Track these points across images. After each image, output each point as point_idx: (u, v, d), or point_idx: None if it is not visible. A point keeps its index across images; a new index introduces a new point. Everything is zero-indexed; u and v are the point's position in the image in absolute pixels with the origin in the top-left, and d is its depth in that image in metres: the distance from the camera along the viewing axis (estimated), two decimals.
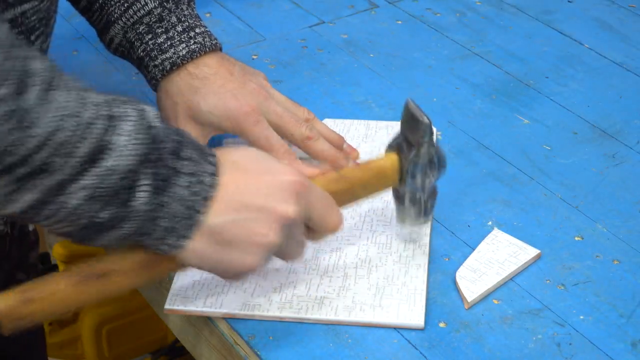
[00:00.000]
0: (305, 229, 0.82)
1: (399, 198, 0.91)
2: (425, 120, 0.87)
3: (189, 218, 0.74)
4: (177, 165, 0.73)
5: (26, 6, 0.84)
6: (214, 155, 0.77)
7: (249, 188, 0.77)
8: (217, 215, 0.75)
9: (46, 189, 0.69)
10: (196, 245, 0.75)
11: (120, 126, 0.70)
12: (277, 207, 0.77)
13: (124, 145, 0.70)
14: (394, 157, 0.89)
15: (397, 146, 0.90)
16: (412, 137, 0.88)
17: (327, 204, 0.83)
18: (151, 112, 0.74)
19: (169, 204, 0.73)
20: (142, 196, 0.71)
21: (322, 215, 0.82)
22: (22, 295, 0.75)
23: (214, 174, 0.75)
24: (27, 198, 0.69)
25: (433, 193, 0.92)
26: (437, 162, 0.89)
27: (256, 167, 0.79)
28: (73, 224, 0.71)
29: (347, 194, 0.87)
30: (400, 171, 0.89)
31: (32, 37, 0.87)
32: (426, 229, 0.95)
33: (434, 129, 1.09)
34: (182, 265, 0.79)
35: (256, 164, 0.79)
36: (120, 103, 0.72)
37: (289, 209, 0.78)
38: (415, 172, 0.88)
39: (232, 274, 0.79)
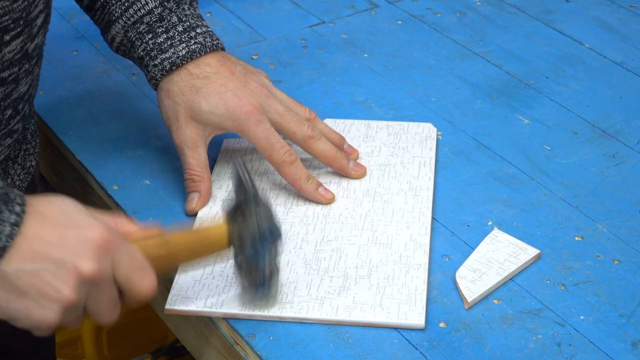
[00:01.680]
0: (117, 291, 0.79)
1: (235, 266, 0.86)
2: (249, 188, 0.84)
3: None
4: None
5: None
6: (21, 205, 0.75)
7: (50, 239, 0.74)
8: (12, 263, 0.73)
9: None
10: None
11: None
12: (74, 262, 0.74)
13: None
14: (223, 226, 0.84)
15: (230, 212, 0.85)
16: (241, 204, 0.84)
17: (136, 265, 0.78)
18: None
19: None
20: None
21: (129, 278, 0.78)
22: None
23: (15, 225, 0.73)
24: None
25: (272, 270, 0.86)
26: (267, 235, 0.83)
27: (63, 219, 0.76)
28: None
29: (170, 259, 0.83)
30: (230, 239, 0.84)
31: (7, 37, 0.86)
32: (426, 228, 0.95)
33: (435, 129, 1.09)
34: None
35: (63, 216, 0.76)
36: None
37: (87, 265, 0.74)
38: (243, 244, 0.83)
39: (27, 325, 0.76)
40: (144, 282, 0.79)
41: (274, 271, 0.86)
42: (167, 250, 0.82)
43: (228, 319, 0.87)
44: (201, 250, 0.85)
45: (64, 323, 0.76)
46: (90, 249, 0.75)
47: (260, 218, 0.83)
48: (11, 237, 0.73)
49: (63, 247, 0.74)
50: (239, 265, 0.85)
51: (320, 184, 1.00)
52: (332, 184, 1.02)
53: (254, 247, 0.83)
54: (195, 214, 0.98)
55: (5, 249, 0.73)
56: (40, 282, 0.74)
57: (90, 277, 0.75)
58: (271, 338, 0.85)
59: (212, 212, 0.98)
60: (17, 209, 0.74)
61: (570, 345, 0.85)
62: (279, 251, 0.85)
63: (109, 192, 1.02)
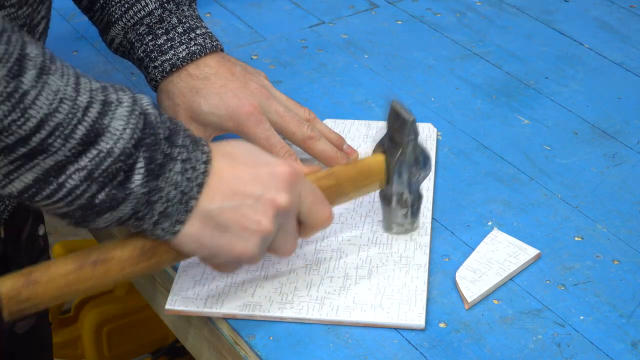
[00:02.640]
0: (297, 224, 0.84)
1: (386, 199, 0.93)
2: (410, 118, 0.88)
3: (183, 203, 0.76)
4: (172, 151, 0.76)
5: (1, 13, 0.83)
6: (206, 145, 0.79)
7: (243, 176, 0.79)
8: (211, 201, 0.77)
9: (45, 169, 0.71)
10: (191, 230, 0.77)
11: (115, 111, 0.73)
12: (271, 195, 0.79)
13: (120, 129, 0.72)
14: (380, 157, 0.91)
15: (383, 146, 0.91)
16: (398, 137, 0.89)
17: (317, 197, 0.84)
18: (144, 99, 0.76)
19: (164, 188, 0.75)
20: (137, 179, 0.73)
21: (313, 209, 0.83)
22: (26, 278, 0.76)
23: (207, 162, 0.78)
24: (26, 178, 0.71)
25: (419, 196, 0.93)
26: (422, 161, 0.90)
27: (249, 157, 0.81)
28: (71, 205, 0.73)
29: (336, 191, 0.88)
30: (387, 170, 0.90)
31: None
32: (426, 228, 0.95)
33: (435, 129, 1.09)
34: (179, 253, 0.80)
35: (249, 154, 0.81)
36: (114, 90, 0.75)
37: (283, 197, 0.79)
38: (402, 171, 0.90)
39: (229, 261, 0.81)
40: (324, 213, 0.84)
41: (420, 197, 0.94)
42: (333, 181, 0.88)
43: (228, 319, 0.87)
44: (363, 181, 0.91)
45: (260, 254, 0.81)
46: (283, 182, 0.80)
47: (418, 146, 0.90)
48: (206, 174, 0.77)
49: (258, 183, 0.79)
50: (388, 198, 0.92)
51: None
52: None
53: (412, 175, 0.91)
54: None
55: (202, 185, 0.77)
56: (242, 217, 0.78)
57: (285, 208, 0.80)
58: (271, 338, 0.85)
59: None
60: (206, 149, 0.78)
61: (570, 345, 0.85)
62: (427, 178, 0.94)
63: None
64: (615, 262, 0.93)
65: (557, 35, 1.29)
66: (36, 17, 0.89)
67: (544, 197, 1.01)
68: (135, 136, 0.73)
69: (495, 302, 0.89)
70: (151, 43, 1.01)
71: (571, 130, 1.11)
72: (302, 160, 1.00)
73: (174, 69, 1.00)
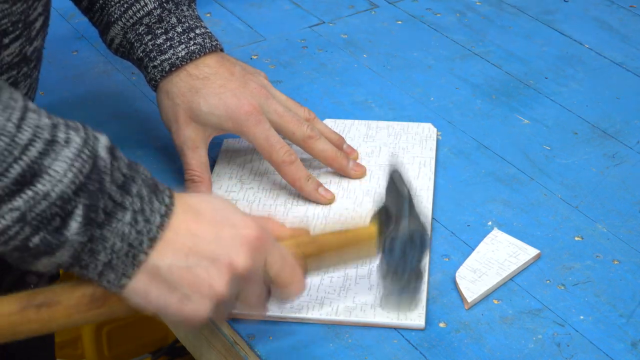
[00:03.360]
0: (266, 289, 0.79)
1: (380, 273, 0.86)
2: (405, 192, 0.83)
3: (130, 256, 0.72)
4: (123, 200, 0.72)
5: None
6: (170, 197, 0.75)
7: (203, 235, 0.75)
8: (162, 257, 0.73)
9: None
10: (138, 285, 0.74)
11: (59, 152, 0.69)
12: (228, 258, 0.74)
13: (61, 172, 0.69)
14: (372, 228, 0.84)
15: (379, 216, 0.85)
16: (393, 209, 0.84)
17: (287, 265, 0.79)
18: (102, 141, 0.73)
19: (108, 238, 0.71)
20: (74, 227, 0.70)
21: (281, 277, 0.78)
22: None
23: (165, 215, 0.73)
24: None
25: (417, 274, 0.85)
26: (418, 241, 0.83)
27: (216, 215, 0.76)
28: (6, 245, 0.70)
29: (318, 259, 0.83)
30: (379, 241, 0.84)
31: (6, 41, 0.86)
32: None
33: (435, 129, 1.09)
34: (129, 305, 0.77)
35: (217, 212, 0.77)
36: (65, 128, 0.71)
37: (241, 262, 0.75)
38: (393, 247, 0.83)
39: (177, 319, 0.77)
40: (294, 282, 0.79)
41: (419, 276, 0.86)
42: (316, 249, 0.82)
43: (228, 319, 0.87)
44: (350, 252, 0.84)
45: (214, 317, 0.77)
46: (245, 246, 0.75)
47: (414, 223, 0.83)
48: (161, 227, 0.73)
49: (218, 244, 0.75)
50: (385, 269, 0.85)
51: (320, 184, 1.00)
52: (332, 184, 1.02)
53: (404, 253, 0.83)
54: None
55: (155, 239, 0.73)
56: (194, 278, 0.74)
57: (244, 274, 0.75)
58: (271, 338, 0.85)
59: None
60: (167, 200, 0.74)
61: (570, 345, 0.85)
62: (424, 257, 0.85)
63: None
64: (615, 262, 0.93)
65: (557, 35, 1.29)
66: (32, 14, 0.89)
67: (544, 197, 1.01)
68: (77, 181, 0.69)
69: (495, 302, 0.89)
70: (150, 43, 1.01)
71: (571, 130, 1.11)
72: (302, 160, 1.00)
73: (173, 69, 1.00)
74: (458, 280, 0.90)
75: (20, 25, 0.87)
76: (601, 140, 1.10)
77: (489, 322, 0.87)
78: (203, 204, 0.77)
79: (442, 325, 0.86)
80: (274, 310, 0.87)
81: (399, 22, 1.32)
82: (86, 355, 1.68)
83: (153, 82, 1.01)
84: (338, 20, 1.33)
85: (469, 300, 0.88)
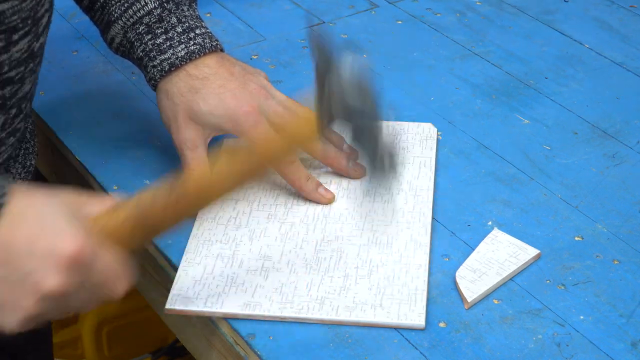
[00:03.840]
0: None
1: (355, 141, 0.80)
2: (321, 46, 0.77)
3: None
4: None
5: (5, 5, 0.83)
6: (1, 196, 0.72)
7: (19, 245, 0.71)
8: None
9: None
10: None
11: None
12: (38, 277, 0.70)
13: None
14: (309, 116, 0.79)
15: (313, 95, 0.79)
16: (322, 73, 0.78)
17: (110, 275, 0.74)
18: None
19: None
20: None
21: (100, 287, 0.74)
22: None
23: None
24: None
25: (370, 139, 0.78)
26: (350, 108, 0.76)
27: (35, 226, 0.71)
28: None
29: (258, 169, 0.81)
30: (322, 125, 0.79)
31: (15, 37, 0.86)
32: (426, 228, 0.95)
33: (435, 129, 1.09)
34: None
35: (37, 222, 0.72)
36: None
37: (52, 282, 0.70)
38: (339, 118, 0.77)
39: None
40: (116, 291, 0.76)
41: (382, 138, 0.79)
42: (256, 158, 0.80)
43: (228, 319, 0.87)
44: (292, 150, 0.83)
45: (35, 323, 0.73)
46: (59, 263, 0.71)
47: (344, 76, 0.76)
48: None
49: (30, 258, 0.70)
50: (357, 139, 0.80)
51: (320, 184, 1.00)
52: (332, 184, 1.02)
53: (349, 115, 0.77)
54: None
55: None
56: (5, 291, 0.71)
57: (55, 293, 0.71)
58: (271, 338, 0.85)
59: (212, 212, 0.98)
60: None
61: (570, 345, 0.85)
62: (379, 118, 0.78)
63: (109, 192, 1.02)
64: (615, 262, 0.93)
65: (557, 35, 1.29)
66: (40, 10, 0.89)
67: (544, 197, 1.01)
68: None
69: (495, 302, 0.89)
70: (150, 42, 1.01)
71: (571, 130, 1.11)
72: (302, 161, 1.00)
73: (172, 69, 1.00)
74: (458, 280, 0.90)
75: (29, 22, 0.87)
76: (601, 140, 1.10)
77: (489, 322, 0.87)
78: (26, 213, 0.72)
79: (442, 325, 0.86)
80: (274, 310, 0.87)
81: (399, 22, 1.32)
82: (86, 355, 1.68)
83: (152, 82, 1.01)
84: (338, 20, 1.33)
85: (469, 300, 0.88)
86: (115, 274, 0.75)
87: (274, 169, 0.91)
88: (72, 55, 1.25)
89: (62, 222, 0.72)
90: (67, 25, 1.30)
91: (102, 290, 0.75)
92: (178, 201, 0.78)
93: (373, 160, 0.79)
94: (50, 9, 0.92)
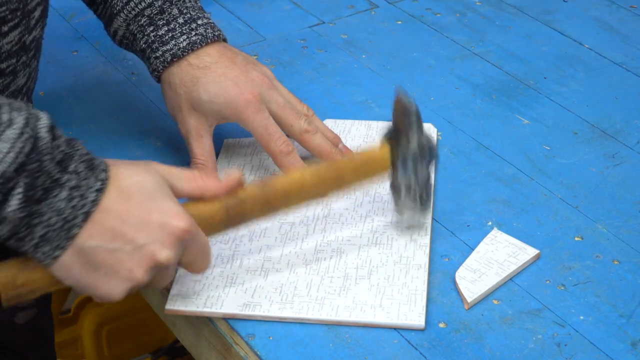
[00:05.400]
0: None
1: (394, 188, 0.93)
2: (412, 106, 0.90)
3: (65, 230, 0.75)
4: (60, 177, 0.74)
5: None
6: (105, 171, 0.77)
7: (130, 220, 0.77)
8: (91, 237, 0.75)
9: None
10: (67, 259, 0.76)
11: (3, 132, 0.72)
12: (153, 248, 0.77)
13: (4, 151, 0.72)
14: (385, 146, 0.91)
15: (389, 136, 0.92)
16: (402, 126, 0.91)
17: (200, 253, 0.82)
18: (43, 121, 0.75)
19: (45, 213, 0.74)
20: (14, 203, 0.72)
21: (190, 263, 0.83)
22: (22, 264, 0.77)
23: (100, 190, 0.76)
24: None
25: (427, 183, 0.93)
26: (427, 151, 0.91)
27: (146, 200, 0.78)
28: None
29: (337, 181, 0.90)
30: (392, 160, 0.91)
31: (5, 28, 0.87)
32: (426, 228, 0.95)
33: (435, 129, 1.09)
34: (53, 278, 0.78)
35: (147, 196, 0.78)
36: (9, 109, 0.73)
37: (165, 254, 0.77)
38: (406, 160, 0.90)
39: (94, 296, 0.79)
40: (201, 267, 0.84)
41: (429, 184, 0.93)
42: (335, 172, 0.90)
43: (228, 319, 0.87)
44: (366, 171, 0.91)
45: (124, 294, 0.79)
46: (171, 237, 0.77)
47: (422, 135, 0.91)
48: (95, 202, 0.75)
49: (145, 231, 0.77)
50: (396, 187, 0.92)
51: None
52: None
53: (416, 164, 0.90)
54: None
55: (89, 214, 0.75)
56: (115, 262, 0.76)
57: (164, 265, 0.78)
58: (271, 338, 0.85)
59: None
60: (103, 175, 0.76)
61: (570, 345, 0.85)
62: (432, 169, 0.93)
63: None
64: (615, 262, 0.93)
65: (557, 35, 1.29)
66: (30, 3, 0.89)
67: (544, 197, 1.01)
68: (19, 160, 0.72)
69: (495, 302, 0.89)
70: (152, 34, 1.01)
71: (571, 130, 1.11)
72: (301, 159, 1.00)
73: (174, 59, 1.00)
74: (458, 280, 0.90)
75: (18, 14, 0.87)
76: (601, 140, 1.10)
77: (489, 322, 0.87)
78: (135, 187, 0.78)
79: (442, 325, 0.86)
80: (273, 310, 0.87)
81: (399, 22, 1.32)
82: (86, 355, 1.68)
83: (155, 73, 1.02)
84: (338, 20, 1.33)
85: (469, 300, 0.88)
86: (205, 253, 0.83)
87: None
88: (72, 55, 1.25)
89: (167, 201, 0.79)
90: (67, 25, 1.30)
91: (190, 265, 0.83)
92: (266, 200, 0.86)
93: (416, 199, 0.92)
94: (43, 3, 0.93)
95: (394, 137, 0.91)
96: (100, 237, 0.76)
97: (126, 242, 0.76)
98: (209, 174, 0.85)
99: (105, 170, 0.77)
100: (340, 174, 0.90)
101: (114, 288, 0.78)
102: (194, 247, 0.81)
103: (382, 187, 1.01)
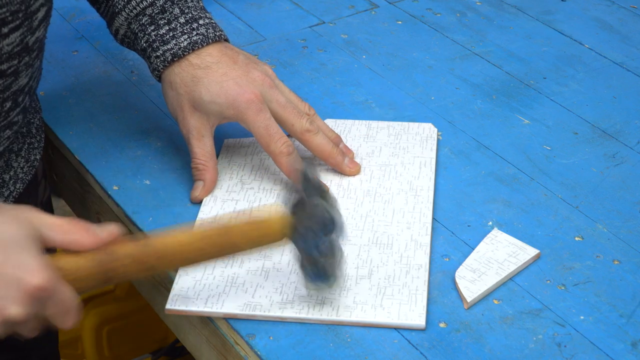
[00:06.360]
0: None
1: (296, 257, 0.87)
2: (308, 174, 0.84)
3: None
4: None
5: None
6: None
7: None
8: None
9: None
10: None
11: None
12: (2, 305, 0.73)
13: None
14: (282, 211, 0.85)
15: (291, 200, 0.85)
16: (302, 195, 0.85)
17: (64, 308, 0.77)
18: None
19: None
20: None
21: (52, 318, 0.77)
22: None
23: None
24: None
25: (331, 254, 0.85)
26: (328, 222, 0.84)
27: (2, 253, 0.73)
28: None
29: (222, 249, 0.84)
30: (290, 227, 0.84)
31: (5, 30, 0.87)
32: (426, 228, 0.96)
33: (435, 129, 1.09)
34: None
35: (4, 249, 0.74)
36: None
37: (14, 311, 0.73)
38: (301, 229, 0.84)
39: None
40: (65, 324, 0.78)
41: (332, 255, 0.85)
42: (226, 236, 0.83)
43: (228, 319, 0.87)
44: (260, 237, 0.84)
45: None
46: (23, 295, 0.73)
47: (320, 204, 0.84)
48: None
49: None
50: (296, 256, 0.86)
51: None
52: (333, 184, 1.02)
53: (315, 235, 0.83)
54: (200, 202, 0.99)
55: None
56: None
57: (15, 320, 0.74)
58: (271, 338, 0.85)
59: (212, 211, 0.98)
60: None
61: (570, 345, 0.85)
62: (339, 242, 0.85)
63: (109, 193, 1.02)
64: (616, 262, 0.93)
65: (557, 35, 1.29)
66: (33, 4, 0.89)
67: (544, 197, 1.01)
68: None
69: (496, 302, 0.89)
70: (153, 33, 1.01)
71: (571, 130, 1.11)
72: (302, 159, 1.00)
73: (175, 59, 1.00)
74: (457, 280, 0.90)
75: (20, 15, 0.87)
76: (601, 140, 1.10)
77: (489, 322, 0.87)
78: (4, 234, 0.74)
79: (442, 325, 0.86)
80: (274, 310, 0.87)
81: (399, 22, 1.32)
82: (86, 355, 1.68)
83: (156, 73, 1.02)
84: (338, 20, 1.33)
85: (469, 300, 0.88)
86: (68, 309, 0.77)
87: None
88: (72, 55, 1.25)
89: (29, 252, 0.74)
90: (67, 26, 1.30)
91: (52, 321, 0.77)
92: (140, 260, 0.81)
93: (318, 272, 0.85)
94: (47, 4, 0.92)
95: (294, 206, 0.84)
96: None
97: None
98: (83, 225, 0.80)
99: None
100: (231, 239, 0.83)
101: None
102: (54, 304, 0.76)
103: (382, 187, 1.01)
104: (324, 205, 0.84)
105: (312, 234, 0.84)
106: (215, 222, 0.84)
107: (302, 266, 0.86)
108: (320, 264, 0.85)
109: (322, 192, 0.85)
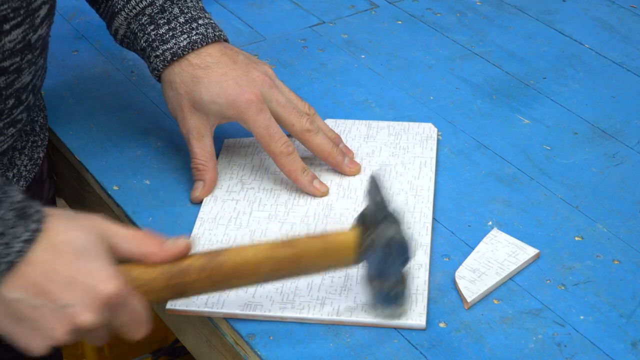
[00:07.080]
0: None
1: (364, 279, 0.86)
2: (380, 198, 0.83)
3: None
4: None
5: None
6: (38, 222, 0.73)
7: (57, 278, 0.73)
8: (14, 289, 0.72)
9: None
10: None
11: None
12: (75, 310, 0.73)
13: None
14: (353, 233, 0.83)
15: (362, 220, 0.84)
16: (373, 214, 0.83)
17: (134, 319, 0.77)
18: None
19: None
20: None
21: (123, 329, 0.78)
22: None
23: (28, 241, 0.73)
24: None
25: (398, 281, 0.84)
26: (397, 248, 0.82)
27: (76, 259, 0.74)
28: None
29: (292, 263, 0.83)
30: (360, 249, 0.83)
31: (7, 27, 0.87)
32: (427, 228, 0.95)
33: (435, 129, 1.09)
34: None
35: (77, 255, 0.74)
36: None
37: (87, 318, 0.73)
38: (370, 253, 0.82)
39: (18, 345, 0.76)
40: (135, 335, 0.79)
41: (401, 282, 0.85)
42: (292, 251, 0.82)
43: (228, 319, 0.87)
44: (327, 258, 0.83)
45: (48, 348, 0.76)
46: (96, 302, 0.73)
47: (391, 229, 0.82)
48: (21, 253, 0.72)
49: (70, 291, 0.73)
50: (364, 278, 0.85)
51: (315, 177, 1.00)
52: (333, 184, 1.02)
53: (384, 260, 0.82)
54: (200, 202, 0.99)
55: (13, 264, 0.72)
56: (38, 318, 0.73)
57: (87, 328, 0.74)
58: (271, 338, 0.85)
59: (212, 211, 0.98)
60: (33, 226, 0.73)
61: (570, 345, 0.85)
62: (406, 264, 0.84)
63: (109, 193, 1.02)
64: (616, 262, 0.93)
65: (557, 35, 1.29)
66: (35, 2, 0.89)
67: (544, 197, 1.01)
68: None
69: (496, 301, 0.89)
70: (153, 33, 1.01)
71: (571, 130, 1.11)
72: (302, 159, 1.00)
73: (174, 58, 1.00)
74: (457, 280, 0.90)
75: (22, 12, 0.87)
76: (601, 140, 1.10)
77: (489, 322, 0.87)
78: (67, 243, 0.74)
79: (442, 325, 0.86)
80: (274, 310, 0.87)
81: (399, 22, 1.32)
82: (86, 355, 1.68)
83: (156, 72, 1.02)
84: (338, 20, 1.33)
85: (469, 300, 0.88)
86: (139, 319, 0.78)
87: (274, 161, 0.97)
88: (72, 55, 1.25)
89: (102, 261, 0.75)
90: (67, 25, 1.30)
91: (122, 330, 0.78)
92: (211, 275, 0.81)
93: (384, 297, 0.85)
94: (49, 1, 0.92)
95: (365, 223, 0.83)
96: (24, 290, 0.72)
97: (49, 301, 0.73)
98: (155, 238, 0.80)
99: (39, 221, 0.73)
100: (303, 265, 0.82)
101: (35, 342, 0.74)
102: (125, 313, 0.76)
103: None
104: (400, 230, 0.82)
105: (391, 259, 0.82)
106: (289, 242, 0.82)
107: (376, 290, 0.85)
108: (397, 289, 0.84)
109: (392, 212, 0.83)
